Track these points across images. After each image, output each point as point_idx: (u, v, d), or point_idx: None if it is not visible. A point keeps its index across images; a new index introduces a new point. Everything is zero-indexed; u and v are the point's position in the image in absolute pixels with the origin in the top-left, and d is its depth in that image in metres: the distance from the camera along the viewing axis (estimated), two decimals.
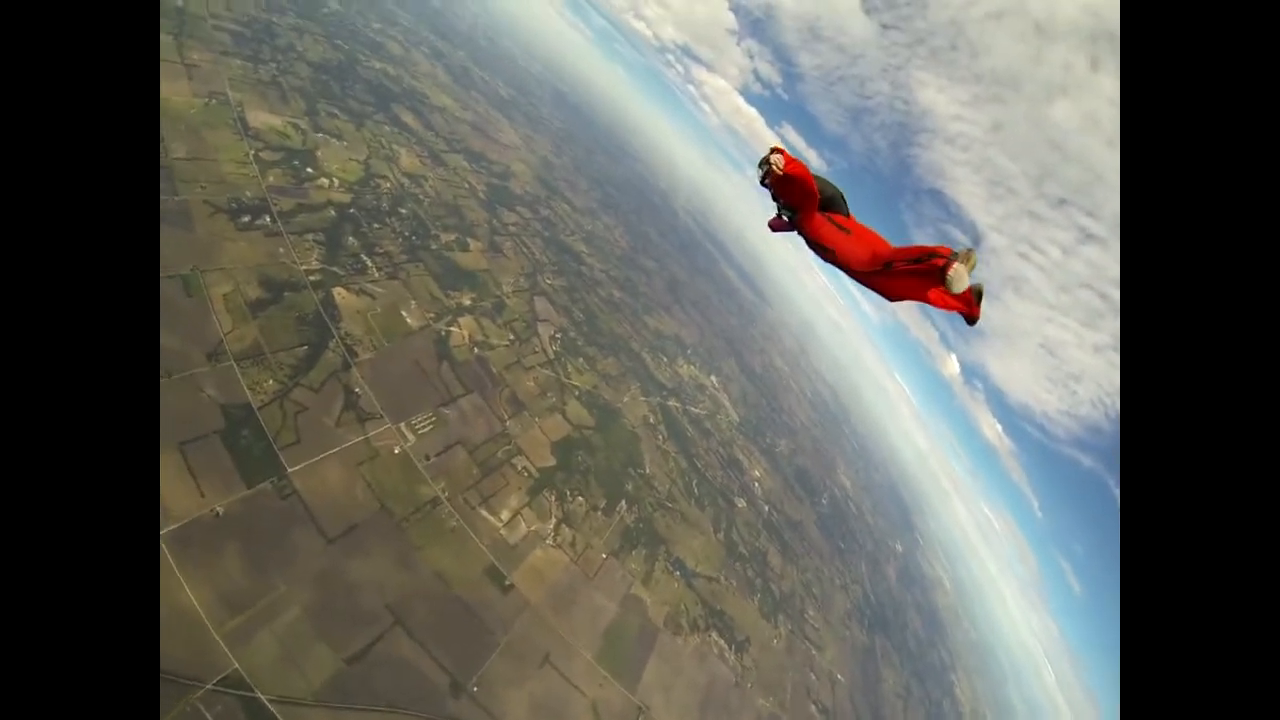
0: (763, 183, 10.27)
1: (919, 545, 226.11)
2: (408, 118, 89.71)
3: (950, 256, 7.66)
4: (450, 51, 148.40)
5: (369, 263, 57.20)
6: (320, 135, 66.43)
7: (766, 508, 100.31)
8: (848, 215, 9.85)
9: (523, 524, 50.38)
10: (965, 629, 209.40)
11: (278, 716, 29.27)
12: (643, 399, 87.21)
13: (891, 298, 8.91)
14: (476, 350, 61.10)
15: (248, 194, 51.14)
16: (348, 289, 52.39)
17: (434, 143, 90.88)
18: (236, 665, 29.00)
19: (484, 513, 47.68)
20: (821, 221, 9.63)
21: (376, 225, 62.22)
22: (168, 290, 39.34)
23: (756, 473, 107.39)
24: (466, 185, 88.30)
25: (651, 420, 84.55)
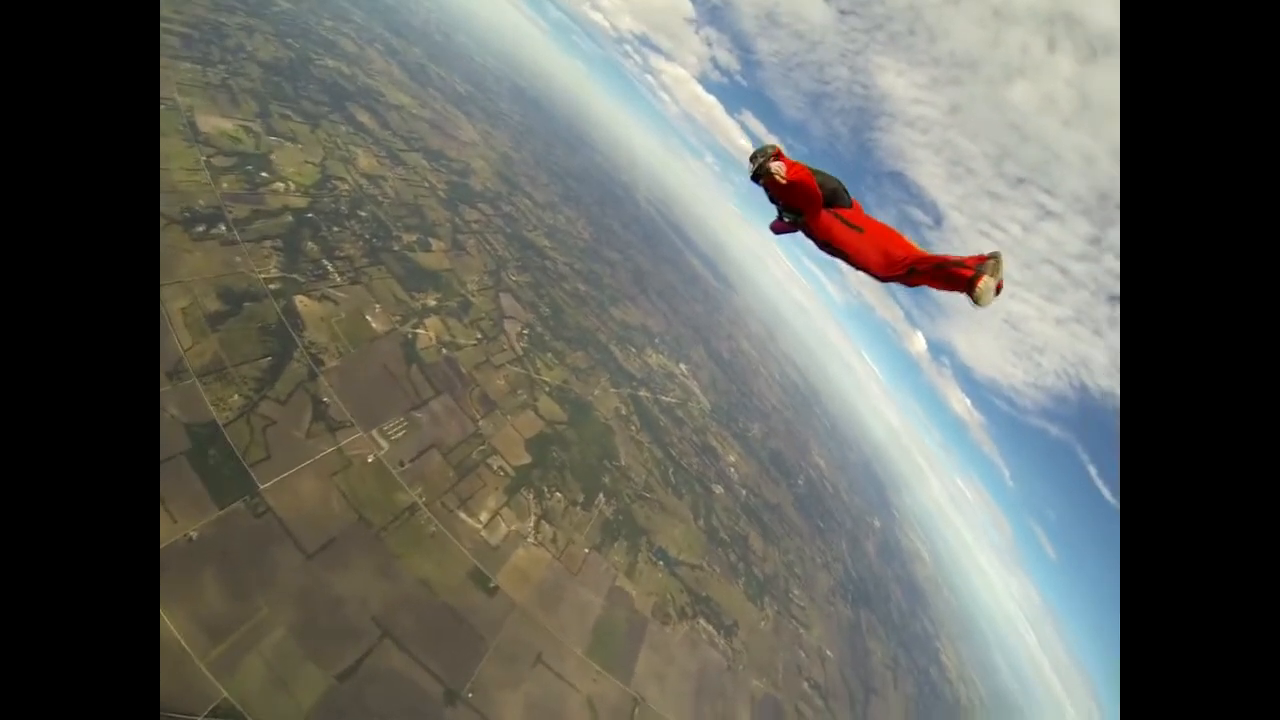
0: (755, 180, 9.96)
1: (896, 520, 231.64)
2: (364, 117, 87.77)
3: (978, 268, 7.48)
4: (405, 48, 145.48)
5: (330, 268, 55.99)
6: (274, 138, 64.58)
7: (744, 492, 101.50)
8: (850, 204, 9.42)
9: (503, 524, 50.13)
10: (946, 598, 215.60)
11: None
12: (613, 391, 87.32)
13: (906, 283, 8.83)
14: (445, 351, 60.40)
15: (201, 202, 49.58)
16: (309, 296, 51.22)
17: (392, 142, 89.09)
18: (225, 694, 28.36)
19: (463, 515, 47.30)
20: (831, 221, 9.20)
21: (336, 229, 60.89)
22: None
23: (731, 458, 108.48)
24: (426, 184, 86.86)
25: (623, 412, 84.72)
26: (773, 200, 9.86)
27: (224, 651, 29.52)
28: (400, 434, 47.81)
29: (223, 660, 29.23)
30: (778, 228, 10.18)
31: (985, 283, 7.29)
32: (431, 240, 74.75)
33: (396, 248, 67.12)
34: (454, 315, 66.25)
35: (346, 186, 68.22)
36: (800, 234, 9.86)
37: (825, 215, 9.15)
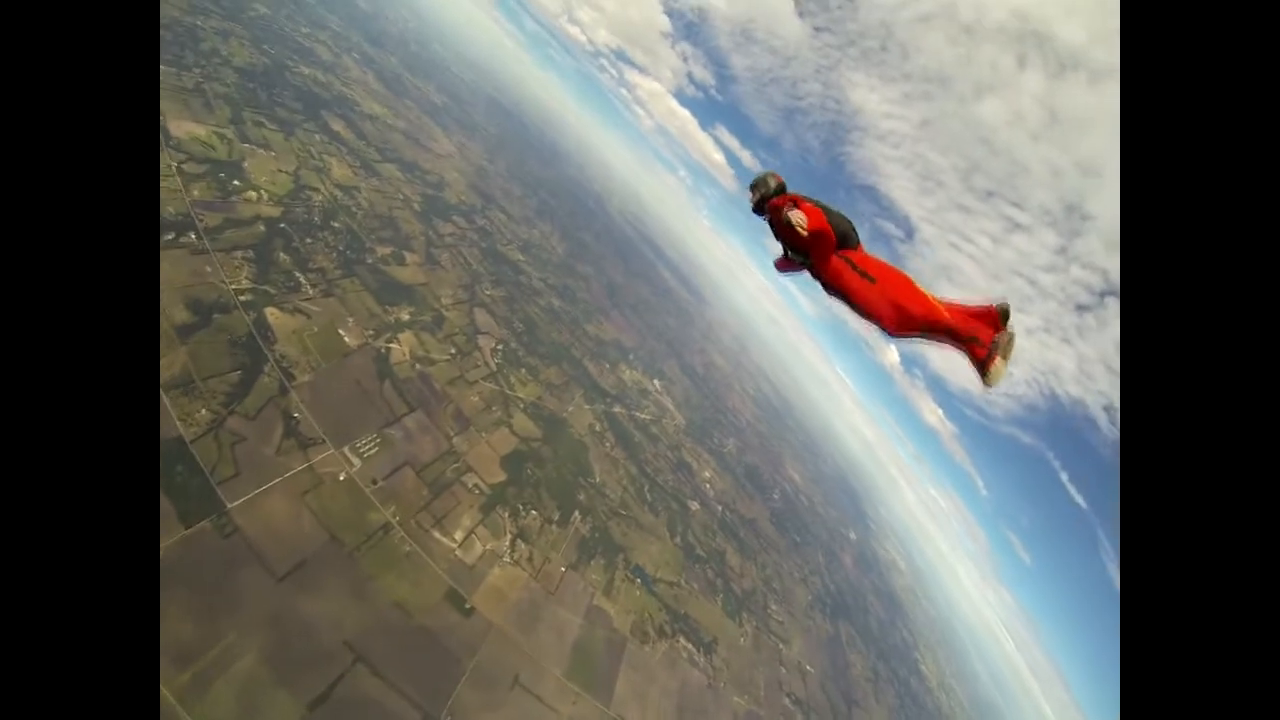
0: (757, 211, 9.80)
1: (872, 531, 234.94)
2: (338, 126, 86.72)
3: (992, 346, 7.39)
4: (381, 57, 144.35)
5: (302, 279, 54.95)
6: (247, 145, 63.28)
7: (720, 508, 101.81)
8: (858, 245, 9.00)
9: (478, 543, 49.35)
10: (924, 607, 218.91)
11: None
12: (587, 407, 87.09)
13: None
14: (418, 366, 59.60)
15: (171, 209, 48.31)
16: (281, 308, 50.16)
17: (366, 152, 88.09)
18: None
19: (437, 535, 46.45)
20: (841, 268, 8.69)
21: (309, 240, 59.87)
22: None
23: (707, 474, 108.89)
24: (401, 196, 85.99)
25: (598, 428, 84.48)
26: (777, 237, 9.57)
27: (191, 679, 28.39)
28: (373, 451, 46.91)
29: (190, 688, 28.10)
30: (783, 266, 9.79)
31: (997, 367, 7.31)
32: (406, 253, 73.97)
33: (370, 260, 66.25)
34: (428, 330, 65.49)
35: (320, 197, 67.19)
36: (811, 275, 9.38)
37: (836, 260, 8.75)
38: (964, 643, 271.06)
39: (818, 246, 8.68)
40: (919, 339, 8.19)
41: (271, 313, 48.82)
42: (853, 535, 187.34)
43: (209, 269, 46.83)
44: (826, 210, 8.66)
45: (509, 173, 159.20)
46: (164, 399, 36.68)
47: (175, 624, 29.13)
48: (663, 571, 70.96)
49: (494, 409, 65.75)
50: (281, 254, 54.99)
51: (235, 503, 35.52)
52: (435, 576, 43.81)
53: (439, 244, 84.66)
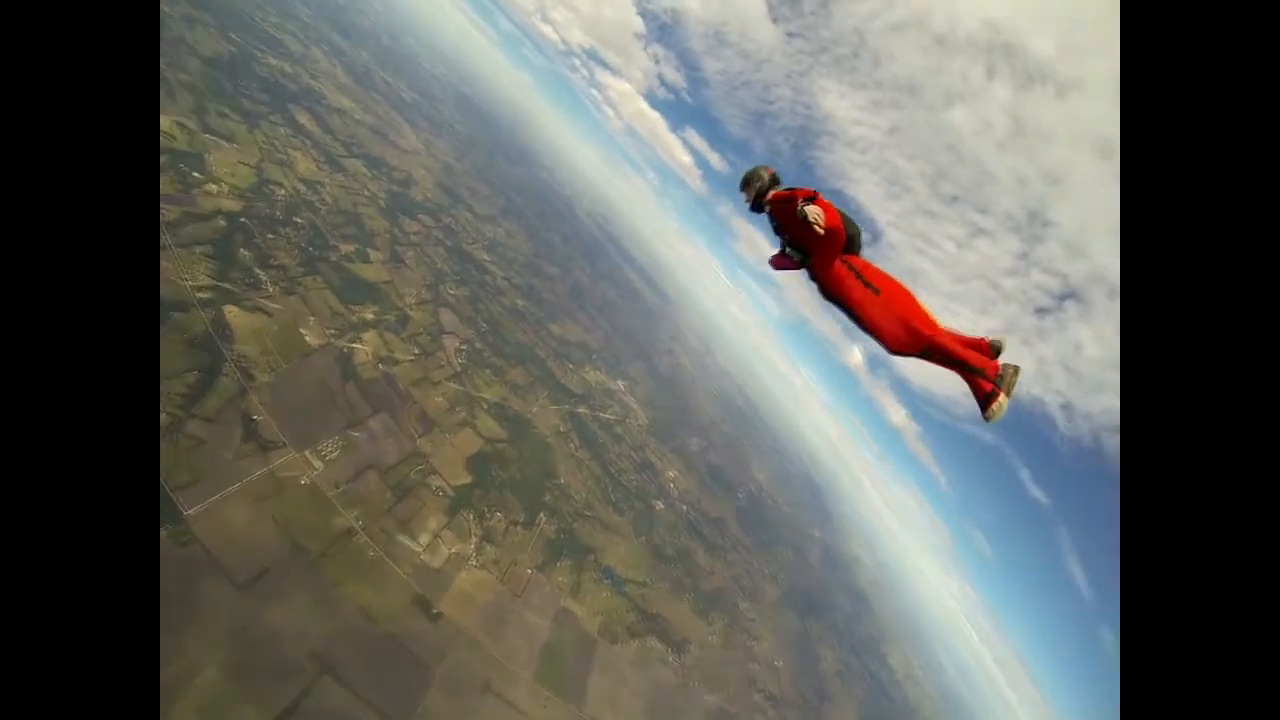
0: (755, 209, 9.21)
1: (837, 529, 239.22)
2: (304, 119, 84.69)
3: (996, 383, 7.32)
4: (351, 50, 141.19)
5: (263, 277, 53.65)
6: (210, 137, 61.38)
7: (685, 508, 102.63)
8: (859, 251, 8.52)
9: (444, 547, 48.96)
10: (890, 602, 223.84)
11: None
12: (552, 408, 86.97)
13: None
14: (382, 367, 58.77)
15: None
16: (241, 306, 48.87)
17: (332, 147, 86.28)
18: None
19: (403, 539, 45.95)
20: (844, 274, 8.24)
21: (271, 235, 58.46)
22: None
23: (671, 474, 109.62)
24: (366, 192, 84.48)
25: (563, 429, 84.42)
26: (777, 232, 9.04)
27: None
28: (335, 454, 46.15)
29: None
30: (778, 264, 9.23)
31: (1001, 403, 7.22)
32: (370, 251, 72.77)
33: (334, 258, 65.03)
34: (392, 330, 64.62)
35: (283, 191, 65.65)
36: (804, 274, 8.92)
37: (839, 266, 8.28)
38: (929, 635, 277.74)
39: (825, 246, 8.16)
40: (918, 358, 7.93)
41: (231, 311, 47.53)
42: (818, 533, 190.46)
43: (167, 265, 45.44)
44: (839, 212, 8.05)
45: (476, 171, 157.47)
46: None
47: None
48: (631, 572, 71.38)
49: (458, 410, 65.22)
50: (242, 250, 53.61)
51: (193, 509, 34.60)
52: (401, 582, 43.38)
53: (404, 242, 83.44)
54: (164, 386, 38.38)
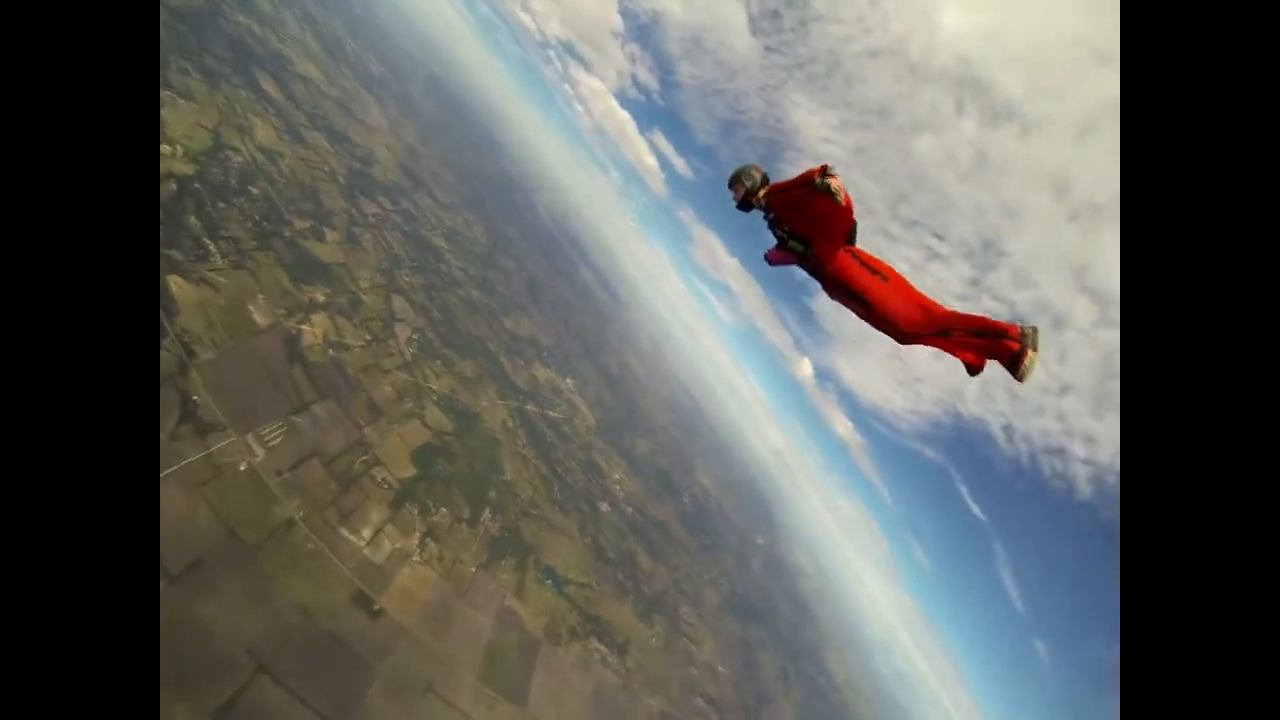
0: (742, 207, 8.86)
1: (780, 537, 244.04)
2: (268, 85, 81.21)
3: (1022, 340, 7.08)
4: (324, 17, 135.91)
5: (212, 248, 51.21)
6: (167, 92, 58.03)
7: (630, 510, 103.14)
8: (854, 241, 8.26)
9: (386, 541, 47.75)
10: (831, 610, 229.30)
11: None
12: (500, 403, 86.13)
13: (927, 344, 7.98)
14: (331, 351, 57.00)
15: None
16: (186, 278, 46.46)
17: (295, 116, 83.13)
18: None
19: (344, 532, 44.57)
20: (849, 263, 8.03)
21: (223, 204, 55.83)
22: None
23: (617, 475, 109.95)
24: (326, 168, 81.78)
25: (510, 425, 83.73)
26: (775, 225, 8.67)
27: None
28: (278, 440, 44.47)
29: None
30: (777, 258, 8.94)
31: (1031, 359, 6.99)
32: (326, 229, 70.47)
33: (287, 234, 62.68)
34: (343, 314, 62.76)
35: (240, 159, 62.82)
36: (801, 269, 8.73)
37: (843, 254, 8.06)
38: (869, 643, 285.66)
39: (836, 227, 7.84)
40: (932, 343, 7.84)
41: (175, 281, 45.16)
42: (761, 540, 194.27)
43: None
44: None
45: (441, 157, 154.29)
46: None
47: None
48: (574, 573, 71.31)
49: (406, 400, 63.90)
50: (192, 217, 51.06)
51: None
52: (342, 577, 42.11)
53: (361, 223, 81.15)
54: None
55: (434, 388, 71.08)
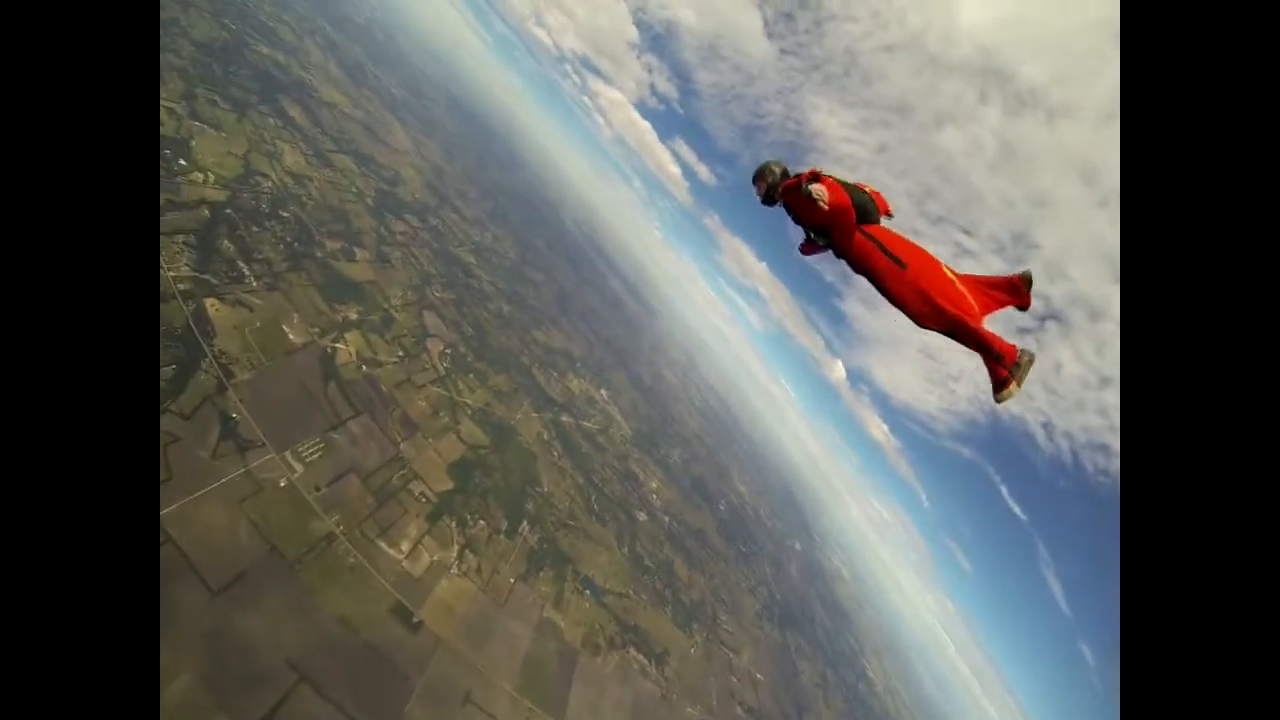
0: (767, 202, 9.52)
1: (817, 542, 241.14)
2: (294, 111, 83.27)
3: (1012, 370, 7.42)
4: (345, 44, 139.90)
5: (246, 270, 52.25)
6: (197, 123, 59.88)
7: (667, 519, 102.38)
8: (878, 218, 8.75)
9: (425, 554, 47.77)
10: (869, 615, 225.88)
11: None
12: (535, 415, 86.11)
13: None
14: (365, 368, 57.52)
15: None
16: (222, 300, 47.45)
17: (321, 141, 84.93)
18: None
19: (383, 545, 44.67)
20: (868, 249, 8.30)
21: (255, 229, 57.05)
22: None
23: (653, 484, 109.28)
24: (354, 189, 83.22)
25: (546, 437, 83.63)
26: (797, 222, 9.29)
27: None
28: (316, 456, 44.84)
29: None
30: (807, 250, 9.63)
31: (1011, 391, 7.45)
32: (356, 249, 71.53)
33: (319, 255, 63.72)
34: (376, 331, 63.38)
35: (270, 184, 64.27)
36: (835, 256, 9.17)
37: (861, 240, 8.38)
38: (907, 647, 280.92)
39: (838, 222, 8.37)
40: (944, 335, 8.00)
41: (211, 304, 46.13)
42: (798, 546, 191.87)
43: None
44: (844, 185, 8.42)
45: (465, 173, 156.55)
46: None
47: None
48: (612, 582, 70.76)
49: (441, 415, 64.12)
50: (225, 242, 52.20)
51: (168, 509, 33.15)
52: (381, 589, 42.13)
53: (390, 242, 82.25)
54: None
55: (468, 402, 71.31)
